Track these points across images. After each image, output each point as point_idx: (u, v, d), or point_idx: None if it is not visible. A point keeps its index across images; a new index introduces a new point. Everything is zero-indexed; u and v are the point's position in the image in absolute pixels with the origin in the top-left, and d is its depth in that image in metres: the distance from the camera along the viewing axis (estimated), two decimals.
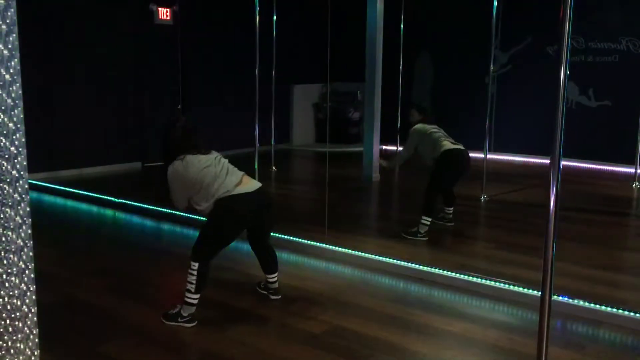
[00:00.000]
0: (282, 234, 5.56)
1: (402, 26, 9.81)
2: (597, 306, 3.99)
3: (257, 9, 7.34)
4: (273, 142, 9.78)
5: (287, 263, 5.14)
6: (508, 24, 10.05)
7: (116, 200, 7.18)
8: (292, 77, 11.95)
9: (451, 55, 11.12)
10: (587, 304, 4.02)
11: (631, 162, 8.50)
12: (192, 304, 3.82)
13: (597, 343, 3.71)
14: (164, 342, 3.63)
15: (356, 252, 5.15)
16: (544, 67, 10.22)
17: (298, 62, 11.98)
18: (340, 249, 5.24)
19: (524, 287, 4.30)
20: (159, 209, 6.69)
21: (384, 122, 8.95)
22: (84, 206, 7.34)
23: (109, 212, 7.07)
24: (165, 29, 10.01)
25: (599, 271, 4.87)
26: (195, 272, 3.76)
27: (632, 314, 3.86)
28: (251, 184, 4.00)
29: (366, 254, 5.10)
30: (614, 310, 3.93)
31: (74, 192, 7.68)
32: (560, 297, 4.06)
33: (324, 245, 5.33)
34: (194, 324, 3.82)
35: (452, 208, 6.27)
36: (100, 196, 7.36)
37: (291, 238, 5.53)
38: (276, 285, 4.35)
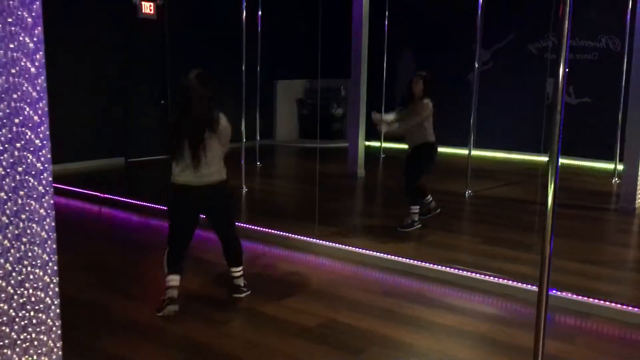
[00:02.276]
0: (271, 229, 5.59)
1: (386, 23, 9.89)
2: (585, 299, 4.09)
3: (244, 4, 7.35)
4: (258, 138, 9.78)
5: (278, 258, 5.17)
6: (490, 21, 10.17)
7: (101, 195, 7.13)
8: (275, 73, 11.95)
9: (434, 52, 11.22)
10: (574, 296, 4.12)
11: (611, 158, 8.68)
12: (168, 287, 3.95)
13: (585, 334, 3.81)
14: (157, 337, 3.64)
15: (346, 247, 5.20)
16: (526, 64, 10.38)
17: (281, 58, 11.98)
18: (330, 243, 5.28)
19: (512, 280, 4.39)
20: (144, 203, 6.66)
21: (369, 119, 8.99)
22: (69, 202, 7.28)
23: (94, 207, 7.01)
24: (149, 24, 9.93)
25: (582, 264, 4.98)
26: (164, 255, 4.03)
27: (618, 305, 3.97)
28: (197, 175, 3.90)
29: (356, 249, 5.15)
30: (601, 302, 4.04)
31: (57, 188, 7.60)
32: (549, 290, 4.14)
33: (315, 240, 5.36)
34: (171, 310, 3.87)
35: (429, 196, 6.25)
36: (85, 191, 7.30)
37: (281, 233, 5.56)
38: (239, 282, 4.26)
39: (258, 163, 9.48)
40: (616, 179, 8.33)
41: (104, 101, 9.60)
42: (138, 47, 9.88)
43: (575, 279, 4.56)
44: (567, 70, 2.31)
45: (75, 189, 7.42)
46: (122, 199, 6.94)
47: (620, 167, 8.42)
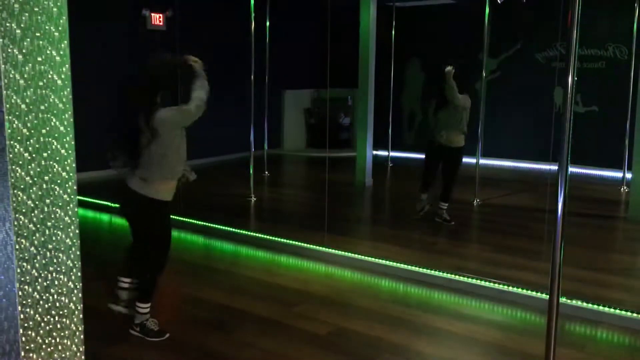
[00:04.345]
0: (281, 238, 5.63)
1: (393, 32, 9.95)
2: (595, 306, 4.10)
3: (253, 14, 7.43)
4: (266, 148, 9.83)
5: (288, 266, 5.21)
6: (497, 30, 10.22)
7: (113, 205, 7.18)
8: (283, 83, 12.02)
9: (442, 61, 11.26)
10: (584, 304, 4.13)
11: (619, 166, 8.68)
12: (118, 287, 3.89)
13: (596, 342, 3.81)
14: (170, 344, 3.67)
15: (356, 255, 5.22)
16: (533, 73, 10.41)
17: (289, 68, 12.06)
18: (339, 252, 5.31)
19: (522, 288, 4.40)
20: None
21: (376, 128, 9.04)
22: (79, 211, 7.34)
23: (104, 217, 7.07)
24: (158, 35, 10.03)
25: (592, 272, 4.99)
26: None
27: (628, 313, 3.98)
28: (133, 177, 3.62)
29: (366, 257, 5.17)
30: (611, 310, 4.04)
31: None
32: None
33: (324, 248, 5.40)
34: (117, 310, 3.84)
35: (446, 204, 6.38)
36: (96, 201, 7.36)
37: (290, 242, 5.59)
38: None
39: (266, 172, 9.52)
40: (625, 187, 8.33)
41: (113, 112, 9.67)
42: (147, 59, 9.97)
43: (585, 286, 4.57)
44: (575, 79, 2.34)
45: (85, 199, 7.48)
46: None
47: (628, 175, 8.44)
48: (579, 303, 4.14)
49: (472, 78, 10.09)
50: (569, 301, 4.16)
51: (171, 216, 3.86)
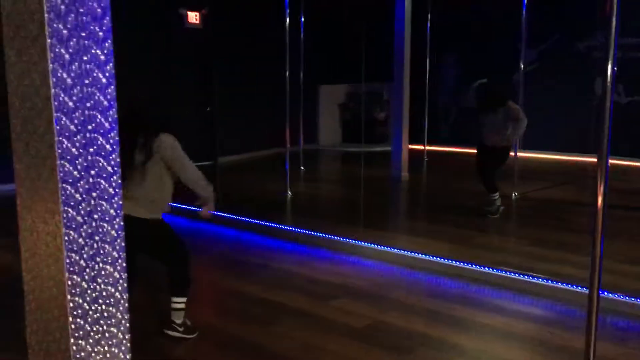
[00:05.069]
0: (317, 232, 5.67)
1: (428, 25, 9.86)
2: (637, 300, 4.01)
3: (287, 11, 7.47)
4: (302, 143, 9.89)
5: (325, 260, 5.24)
6: (536, 20, 10.04)
7: None
8: (318, 77, 12.05)
9: (478, 53, 11.13)
10: (625, 298, 4.05)
11: None
12: None
13: (638, 336, 3.74)
14: (209, 336, 3.75)
15: (392, 249, 5.23)
16: (574, 63, 10.19)
17: (324, 62, 12.08)
18: (376, 246, 5.32)
19: (560, 282, 4.34)
20: (191, 208, 6.82)
21: (412, 122, 9.00)
22: None
23: None
24: (195, 32, 10.18)
25: (633, 266, 4.88)
26: None
27: None
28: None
29: (402, 251, 5.17)
30: None
31: None
32: (600, 292, 4.09)
33: (361, 242, 5.41)
34: None
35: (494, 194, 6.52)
36: None
37: (327, 236, 5.63)
38: (175, 317, 3.69)
39: (302, 167, 9.58)
40: None
41: (150, 109, 9.86)
42: (185, 56, 10.14)
43: (626, 280, 4.48)
44: (615, 69, 2.30)
45: None
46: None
47: None
48: (621, 297, 4.06)
49: (511, 69, 9.95)
50: (610, 295, 4.08)
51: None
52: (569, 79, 10.21)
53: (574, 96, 10.08)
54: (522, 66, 7.60)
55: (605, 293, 4.08)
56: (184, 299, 3.67)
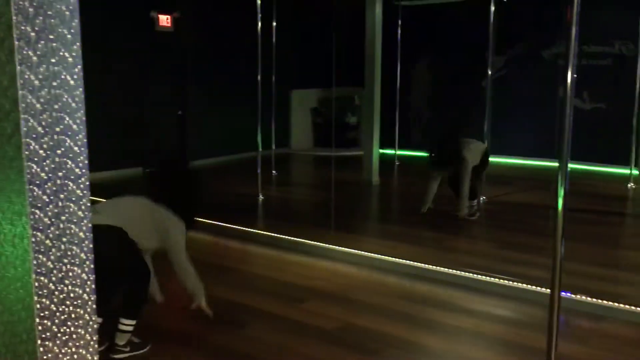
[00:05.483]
0: (288, 235, 5.69)
1: (399, 31, 9.99)
2: (600, 301, 4.13)
3: (259, 15, 7.49)
4: (273, 147, 9.90)
5: (295, 264, 5.26)
6: (503, 28, 10.24)
7: None
8: (290, 82, 12.09)
9: (448, 60, 11.30)
10: (589, 299, 4.16)
11: (625, 163, 8.67)
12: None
13: (600, 336, 3.85)
14: (181, 341, 3.74)
15: (362, 252, 5.27)
16: (539, 70, 10.42)
17: (296, 67, 12.12)
18: (346, 249, 5.36)
19: (528, 284, 4.44)
20: None
21: (383, 127, 9.08)
22: None
23: None
24: (166, 36, 10.12)
25: (599, 268, 5.01)
26: None
27: (633, 308, 4.01)
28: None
29: (372, 254, 5.22)
30: (615, 305, 4.07)
31: None
32: (563, 293, 4.19)
33: (331, 246, 5.45)
34: None
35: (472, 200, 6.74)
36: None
37: (297, 239, 5.65)
38: (119, 339, 3.47)
39: (274, 171, 9.58)
40: (632, 184, 8.32)
41: (122, 112, 9.78)
42: (156, 59, 10.07)
43: (592, 282, 4.60)
44: (575, 76, 2.38)
45: (94, 198, 7.57)
46: None
47: (635, 172, 8.44)
48: (584, 298, 4.17)
49: (479, 76, 10.13)
50: (574, 296, 4.19)
51: None
52: (535, 85, 10.44)
53: (539, 102, 10.31)
54: (489, 72, 7.74)
55: (569, 294, 4.19)
56: (133, 322, 3.45)
